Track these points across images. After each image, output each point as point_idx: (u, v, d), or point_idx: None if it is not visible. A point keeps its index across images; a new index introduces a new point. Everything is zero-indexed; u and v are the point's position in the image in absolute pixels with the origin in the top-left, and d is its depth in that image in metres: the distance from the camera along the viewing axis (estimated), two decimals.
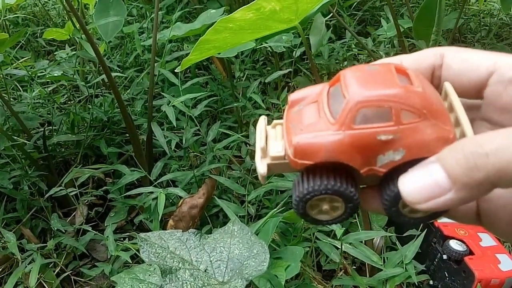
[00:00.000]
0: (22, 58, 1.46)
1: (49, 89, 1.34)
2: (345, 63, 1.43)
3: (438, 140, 0.23)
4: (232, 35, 0.76)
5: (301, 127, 0.25)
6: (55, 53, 1.46)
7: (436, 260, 0.84)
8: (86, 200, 1.07)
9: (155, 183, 0.99)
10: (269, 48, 1.35)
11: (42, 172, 1.04)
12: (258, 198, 0.96)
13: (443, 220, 0.86)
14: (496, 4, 1.70)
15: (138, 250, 0.77)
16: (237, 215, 0.85)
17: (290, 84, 1.39)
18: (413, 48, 1.41)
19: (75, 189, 0.99)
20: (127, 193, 0.98)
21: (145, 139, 1.11)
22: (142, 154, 1.09)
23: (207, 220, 0.98)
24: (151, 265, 0.67)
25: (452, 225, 0.86)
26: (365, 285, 0.77)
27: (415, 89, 0.23)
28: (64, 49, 1.47)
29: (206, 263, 0.65)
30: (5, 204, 1.00)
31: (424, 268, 0.86)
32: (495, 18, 1.69)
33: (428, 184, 0.22)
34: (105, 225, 0.99)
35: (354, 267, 0.89)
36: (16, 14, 1.76)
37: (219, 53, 1.06)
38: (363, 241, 0.81)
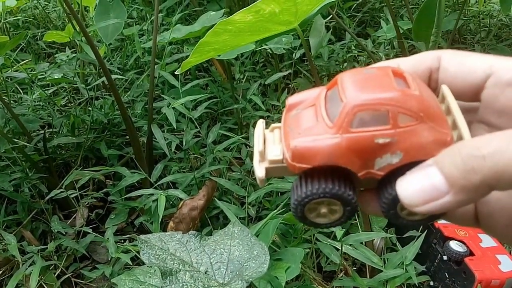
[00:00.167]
0: (23, 60, 1.47)
1: (49, 92, 1.34)
2: (345, 64, 1.43)
3: (435, 143, 0.23)
4: (232, 37, 0.76)
5: (299, 130, 0.25)
6: (55, 56, 1.46)
7: (437, 261, 0.84)
8: (87, 202, 1.07)
9: (156, 185, 0.99)
10: (269, 50, 1.35)
11: (43, 174, 1.04)
12: (258, 200, 0.96)
13: (443, 221, 0.86)
14: (495, 5, 1.70)
15: (138, 252, 0.77)
16: (237, 217, 0.85)
17: (290, 85, 1.39)
18: (412, 50, 1.42)
19: (75, 191, 0.99)
20: (128, 195, 0.98)
21: (145, 141, 1.11)
22: (143, 156, 1.09)
23: (207, 222, 0.98)
24: (151, 267, 0.67)
25: (452, 226, 0.86)
26: (366, 286, 0.77)
27: (412, 92, 0.23)
28: (65, 51, 1.47)
29: (206, 264, 0.65)
30: (5, 207, 1.00)
31: (425, 269, 0.86)
32: (495, 19, 1.69)
33: (425, 187, 0.22)
34: (106, 227, 0.99)
35: (355, 268, 0.89)
36: (16, 16, 1.77)
37: (219, 55, 1.06)
38: (364, 242, 0.82)
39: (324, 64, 1.41)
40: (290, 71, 1.33)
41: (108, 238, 0.91)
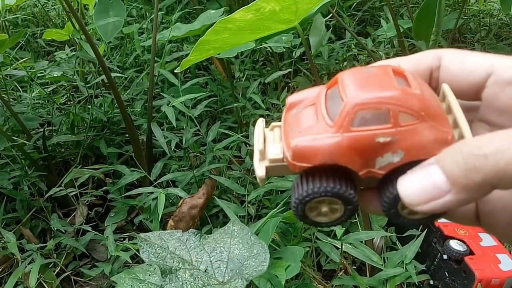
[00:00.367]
0: (22, 58, 1.47)
1: (48, 90, 1.34)
2: (345, 63, 1.43)
3: (436, 142, 0.23)
4: (231, 35, 0.76)
5: (299, 129, 0.25)
6: (54, 54, 1.46)
7: (437, 260, 0.84)
8: (86, 200, 1.07)
9: (155, 183, 0.99)
10: (269, 49, 1.35)
11: (42, 172, 1.04)
12: (258, 198, 0.96)
13: (443, 220, 0.86)
14: (495, 4, 1.70)
15: (138, 250, 0.77)
16: (237, 215, 0.85)
17: (290, 84, 1.39)
18: (413, 48, 1.42)
19: (75, 189, 0.99)
20: (127, 193, 0.98)
21: (145, 140, 1.11)
22: (142, 155, 1.09)
23: (207, 220, 0.98)
24: (151, 265, 0.67)
25: (452, 225, 0.86)
26: (365, 285, 0.77)
27: (412, 91, 0.23)
28: (64, 49, 1.47)
29: (206, 263, 0.65)
30: (5, 205, 1.00)
31: (424, 268, 0.86)
32: (495, 18, 1.69)
33: (427, 186, 0.22)
34: (105, 225, 0.99)
35: (354, 267, 0.89)
36: (15, 15, 1.76)
37: (219, 54, 1.06)
38: (363, 241, 0.82)
39: (324, 62, 1.41)
40: (290, 69, 1.33)
41: (107, 236, 0.91)
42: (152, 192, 0.93)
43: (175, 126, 1.06)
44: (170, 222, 0.95)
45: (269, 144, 0.27)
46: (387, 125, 0.23)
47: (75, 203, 1.03)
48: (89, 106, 1.23)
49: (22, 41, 1.67)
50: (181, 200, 0.96)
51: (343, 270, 0.87)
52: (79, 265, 0.97)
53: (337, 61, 1.45)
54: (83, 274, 0.94)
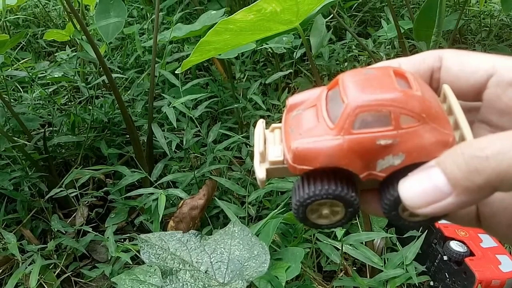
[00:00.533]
0: (23, 59, 1.47)
1: (49, 90, 1.34)
2: (346, 64, 1.43)
3: (437, 144, 0.23)
4: (232, 36, 0.76)
5: (300, 131, 0.25)
6: (55, 54, 1.46)
7: (437, 261, 0.84)
8: (87, 201, 1.07)
9: (156, 184, 0.99)
10: (269, 49, 1.35)
11: (43, 173, 1.04)
12: (258, 199, 0.96)
13: (444, 221, 0.86)
14: (496, 5, 1.70)
15: (138, 251, 0.77)
16: (237, 216, 0.85)
17: (290, 85, 1.39)
18: (413, 49, 1.42)
19: (75, 190, 0.99)
20: (128, 194, 0.98)
21: (145, 140, 1.11)
22: (143, 155, 1.09)
23: (208, 221, 0.98)
24: (151, 266, 0.67)
25: (453, 226, 0.86)
26: (366, 286, 0.77)
27: (414, 93, 0.23)
28: (65, 50, 1.47)
29: (206, 264, 0.65)
30: (5, 205, 1.00)
31: (425, 269, 0.86)
32: (496, 19, 1.69)
33: (428, 189, 0.22)
34: (106, 226, 0.99)
35: (355, 268, 0.89)
36: (16, 15, 1.76)
37: (219, 54, 1.06)
38: (364, 242, 0.81)
39: (324, 63, 1.41)
40: (290, 70, 1.33)
41: (108, 237, 0.91)
42: (152, 193, 0.93)
43: (175, 127, 1.06)
44: (171, 223, 0.95)
45: (269, 146, 0.27)
46: (388, 127, 0.23)
47: (76, 204, 1.03)
48: (90, 107, 1.23)
49: (23, 41, 1.68)
50: (182, 201, 0.96)
51: (343, 271, 0.87)
52: (80, 266, 0.97)
53: (337, 62, 1.45)
54: (83, 275, 0.94)
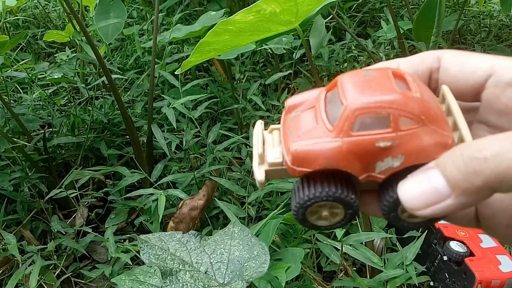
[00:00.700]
0: (23, 60, 1.47)
1: (49, 91, 1.34)
2: (345, 64, 1.43)
3: (437, 146, 0.23)
4: (232, 37, 0.76)
5: (299, 133, 0.25)
6: (55, 55, 1.46)
7: (437, 261, 0.84)
8: (87, 202, 1.07)
9: (156, 184, 0.99)
10: (269, 50, 1.35)
11: (43, 174, 1.04)
12: (258, 200, 0.96)
13: (444, 221, 0.86)
14: (496, 6, 1.70)
15: (138, 252, 0.77)
16: (237, 217, 0.85)
17: (290, 85, 1.39)
18: (413, 50, 1.42)
19: (75, 191, 0.99)
20: (128, 195, 0.98)
21: (145, 141, 1.11)
22: (143, 156, 1.09)
23: (208, 221, 0.98)
24: (151, 266, 0.67)
25: (453, 226, 0.86)
26: (366, 286, 0.77)
27: (413, 95, 0.23)
28: (65, 51, 1.47)
29: (206, 264, 0.65)
30: (5, 206, 1.00)
31: (425, 269, 0.86)
32: (495, 20, 1.69)
33: (427, 191, 0.22)
34: (106, 226, 0.99)
35: (355, 269, 0.89)
36: (16, 16, 1.76)
37: (219, 55, 1.06)
38: (364, 243, 0.82)
39: (324, 64, 1.41)
40: (290, 71, 1.33)
41: (108, 238, 0.91)
42: (152, 194, 0.93)
43: (175, 127, 1.06)
44: (171, 223, 0.95)
45: (268, 147, 0.27)
46: (388, 129, 0.23)
47: (76, 204, 1.04)
48: (90, 108, 1.23)
49: (22, 42, 1.68)
50: (182, 202, 0.96)
51: (343, 272, 0.87)
52: (80, 266, 0.97)
53: (337, 63, 1.45)
54: (83, 276, 0.94)
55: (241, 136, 1.07)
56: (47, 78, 1.28)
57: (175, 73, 1.01)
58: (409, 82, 0.24)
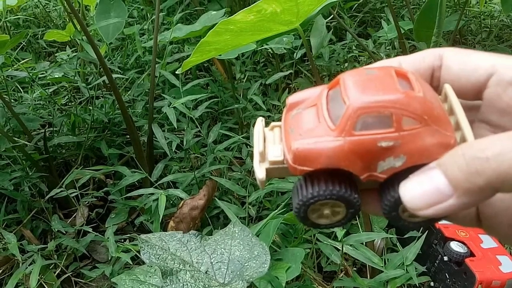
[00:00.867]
0: (23, 59, 1.47)
1: (50, 91, 1.34)
2: (346, 64, 1.43)
3: (439, 146, 0.23)
4: (233, 37, 0.76)
5: (300, 132, 0.25)
6: (56, 55, 1.46)
7: (437, 261, 0.84)
8: (87, 202, 1.07)
9: (156, 184, 0.99)
10: (270, 50, 1.35)
11: (43, 173, 1.04)
12: (258, 200, 0.96)
13: (444, 221, 0.86)
14: (496, 6, 1.70)
15: (138, 252, 0.77)
16: (238, 217, 0.85)
17: (290, 85, 1.39)
18: (413, 50, 1.41)
19: (75, 191, 0.99)
20: (128, 195, 0.98)
21: (145, 141, 1.11)
22: (143, 156, 1.09)
23: (208, 221, 0.98)
24: (151, 266, 0.67)
25: (453, 226, 0.86)
26: (366, 286, 0.77)
27: (416, 95, 0.23)
28: (65, 50, 1.47)
29: (207, 264, 0.65)
30: (5, 205, 1.00)
31: (425, 270, 0.86)
32: (496, 20, 1.69)
33: (429, 191, 0.22)
34: (106, 226, 0.99)
35: (355, 269, 0.89)
36: (17, 15, 1.76)
37: (220, 55, 1.06)
38: (364, 243, 0.82)
39: (325, 64, 1.41)
40: (291, 71, 1.33)
41: (108, 238, 0.91)
42: (153, 193, 0.93)
43: (176, 127, 1.06)
44: (171, 223, 0.95)
45: (269, 145, 0.27)
46: (390, 129, 0.23)
47: (76, 204, 1.04)
48: (90, 107, 1.23)
49: (23, 42, 1.68)
50: (182, 201, 0.96)
51: (343, 272, 0.87)
52: (80, 266, 0.97)
53: (338, 63, 1.45)
54: (83, 275, 0.94)
55: (242, 136, 1.07)
56: (48, 78, 1.28)
57: (176, 72, 1.01)
58: (412, 81, 0.24)
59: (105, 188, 1.06)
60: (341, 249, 0.78)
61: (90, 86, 1.27)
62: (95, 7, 1.26)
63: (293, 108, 0.27)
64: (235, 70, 1.41)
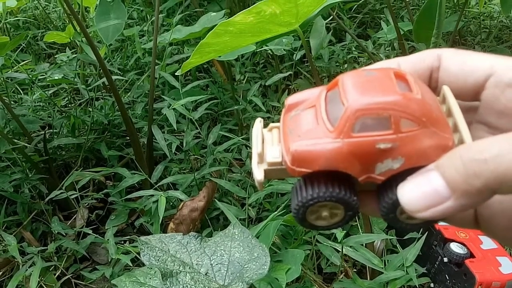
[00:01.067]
0: (23, 61, 1.47)
1: (49, 92, 1.34)
2: (345, 65, 1.43)
3: (437, 148, 0.23)
4: (232, 38, 0.76)
5: (299, 133, 0.25)
6: (55, 56, 1.46)
7: (437, 263, 0.84)
8: (87, 203, 1.07)
9: (156, 186, 0.99)
10: (269, 51, 1.35)
11: (43, 175, 1.04)
12: (258, 201, 0.96)
13: (444, 223, 0.85)
14: (496, 7, 1.70)
15: (138, 253, 0.77)
16: (237, 218, 0.85)
17: (290, 86, 1.39)
18: (413, 51, 1.41)
19: (75, 192, 0.99)
20: (128, 196, 0.98)
21: (145, 142, 1.11)
22: (143, 157, 1.09)
23: (208, 223, 0.98)
24: (151, 268, 0.67)
25: (453, 228, 0.86)
26: None
27: (414, 96, 0.23)
28: (65, 52, 1.47)
29: (206, 266, 0.65)
30: (5, 207, 1.00)
31: (425, 271, 0.86)
32: (495, 21, 1.69)
33: (427, 193, 0.22)
34: (106, 228, 0.99)
35: (355, 270, 0.89)
36: (17, 17, 1.77)
37: (219, 56, 1.06)
38: (364, 244, 0.81)
39: (324, 65, 1.41)
40: (290, 72, 1.33)
41: (108, 239, 0.91)
42: (152, 195, 0.93)
43: (175, 128, 1.06)
44: (171, 225, 0.95)
45: (267, 146, 0.26)
46: (388, 131, 0.23)
47: (76, 206, 1.03)
48: (90, 109, 1.23)
49: (23, 43, 1.68)
50: (182, 203, 0.96)
51: (343, 273, 0.87)
52: (80, 268, 0.97)
53: (337, 64, 1.45)
54: (83, 277, 0.94)
55: (242, 137, 1.07)
56: (48, 79, 1.28)
57: (176, 74, 1.01)
58: (410, 83, 0.24)
59: (105, 190, 1.06)
60: (341, 250, 0.78)
61: (90, 87, 1.27)
62: (95, 9, 1.26)
63: (291, 109, 0.27)
64: (235, 71, 1.41)
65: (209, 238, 0.69)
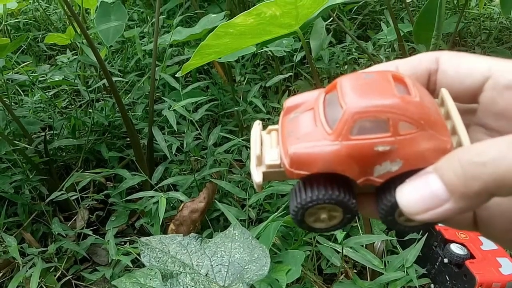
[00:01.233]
0: (24, 62, 1.47)
1: (50, 94, 1.34)
2: (346, 67, 1.44)
3: (435, 151, 0.23)
4: (232, 40, 0.76)
5: (297, 135, 0.25)
6: (56, 58, 1.47)
7: (437, 263, 0.84)
8: (87, 204, 1.07)
9: (156, 187, 0.99)
10: (269, 53, 1.35)
11: (43, 176, 1.04)
12: (259, 202, 0.96)
13: (441, 225, 0.85)
14: (496, 8, 1.70)
15: (139, 254, 0.77)
16: (238, 219, 0.85)
17: (290, 88, 1.39)
18: (413, 52, 1.42)
19: (76, 193, 0.99)
20: (128, 197, 0.99)
21: (146, 143, 1.11)
22: (143, 158, 1.09)
23: (208, 224, 0.98)
24: (152, 269, 0.67)
25: (453, 229, 0.86)
26: None
27: (412, 99, 0.23)
28: (65, 53, 1.47)
29: (207, 267, 0.65)
30: (6, 209, 1.00)
31: (425, 272, 0.86)
32: (495, 22, 1.69)
33: (425, 195, 0.22)
34: (106, 229, 0.99)
35: (355, 271, 0.89)
36: (17, 19, 1.77)
37: (219, 58, 1.07)
38: (364, 245, 0.81)
39: (324, 66, 1.41)
40: (290, 73, 1.33)
41: (108, 240, 0.91)
42: (153, 196, 0.93)
43: (176, 130, 1.07)
44: (171, 226, 0.95)
45: (266, 148, 0.27)
46: (387, 134, 0.23)
47: (76, 207, 1.04)
48: (90, 110, 1.23)
49: (23, 45, 1.68)
50: (182, 204, 0.96)
51: (344, 274, 0.87)
52: (80, 269, 0.97)
53: (337, 65, 1.45)
54: (84, 278, 0.94)
55: (242, 138, 1.08)
56: (48, 81, 1.28)
57: (176, 75, 1.01)
58: (409, 86, 0.24)
59: (105, 191, 1.06)
60: (341, 251, 0.78)
61: (90, 89, 1.27)
62: (95, 10, 1.27)
63: (290, 111, 0.27)
64: (235, 72, 1.41)
65: (210, 239, 0.69)
